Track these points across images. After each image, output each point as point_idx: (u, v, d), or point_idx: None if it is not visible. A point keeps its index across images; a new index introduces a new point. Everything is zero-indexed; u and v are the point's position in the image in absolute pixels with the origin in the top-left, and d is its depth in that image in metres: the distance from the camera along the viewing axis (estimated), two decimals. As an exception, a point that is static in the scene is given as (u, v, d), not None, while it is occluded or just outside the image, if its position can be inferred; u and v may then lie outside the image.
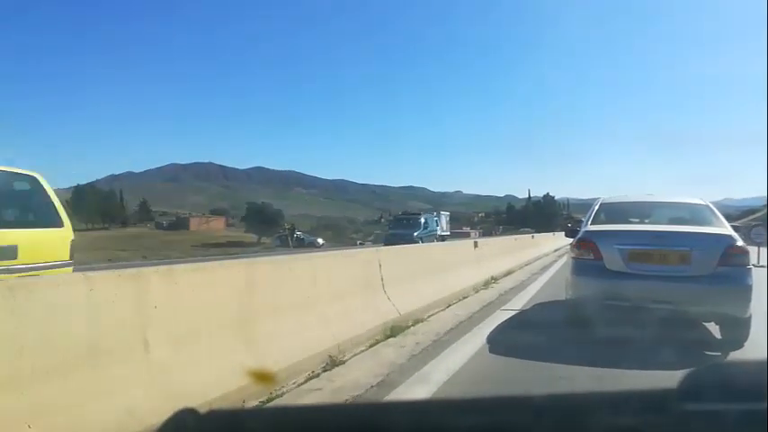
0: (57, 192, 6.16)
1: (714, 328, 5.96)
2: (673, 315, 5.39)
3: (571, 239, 6.66)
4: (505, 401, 0.77)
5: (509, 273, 13.22)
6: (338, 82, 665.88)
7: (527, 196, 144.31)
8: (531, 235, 27.62)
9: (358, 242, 66.85)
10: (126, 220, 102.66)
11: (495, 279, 11.36)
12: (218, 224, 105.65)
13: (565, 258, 18.17)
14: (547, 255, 22.60)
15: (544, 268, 15.74)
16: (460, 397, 0.75)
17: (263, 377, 3.80)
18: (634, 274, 5.65)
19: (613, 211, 6.93)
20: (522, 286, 11.06)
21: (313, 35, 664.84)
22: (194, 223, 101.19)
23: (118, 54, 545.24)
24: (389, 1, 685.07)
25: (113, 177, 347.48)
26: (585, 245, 6.04)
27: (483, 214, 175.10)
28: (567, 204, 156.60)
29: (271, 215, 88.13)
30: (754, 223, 24.35)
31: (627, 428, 0.67)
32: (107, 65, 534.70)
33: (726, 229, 6.05)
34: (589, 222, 6.57)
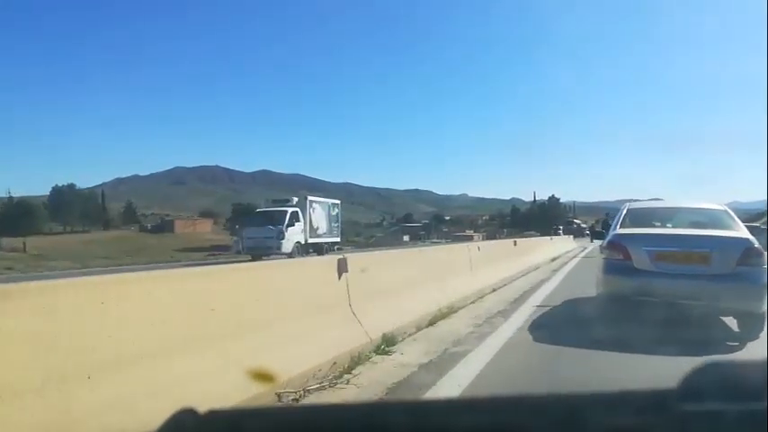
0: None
1: (732, 323, 6.56)
2: (695, 310, 6.00)
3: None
4: (505, 401, 0.76)
5: (447, 314, 7.25)
6: (344, 85, 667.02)
7: (532, 199, 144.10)
8: (512, 240, 17.72)
9: (336, 248, 56.06)
10: (108, 222, 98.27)
11: (388, 345, 5.44)
12: (204, 226, 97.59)
13: (566, 272, 14.86)
14: (538, 267, 15.91)
15: (519, 299, 9.30)
16: (460, 397, 0.79)
17: (263, 377, 3.75)
18: (660, 273, 6.24)
19: (639, 216, 7.61)
20: (434, 370, 4.87)
21: (319, 38, 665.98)
22: (180, 226, 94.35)
23: (123, 57, 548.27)
24: (396, 1, 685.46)
25: (119, 181, 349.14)
26: (616, 246, 6.67)
27: (487, 217, 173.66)
28: (573, 207, 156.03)
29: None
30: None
31: (626, 428, 0.67)
32: (111, 68, 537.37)
33: (743, 232, 6.69)
34: (618, 226, 7.21)
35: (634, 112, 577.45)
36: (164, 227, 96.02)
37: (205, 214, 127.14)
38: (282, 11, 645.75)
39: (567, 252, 25.80)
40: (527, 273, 13.87)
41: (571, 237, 36.23)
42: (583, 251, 27.07)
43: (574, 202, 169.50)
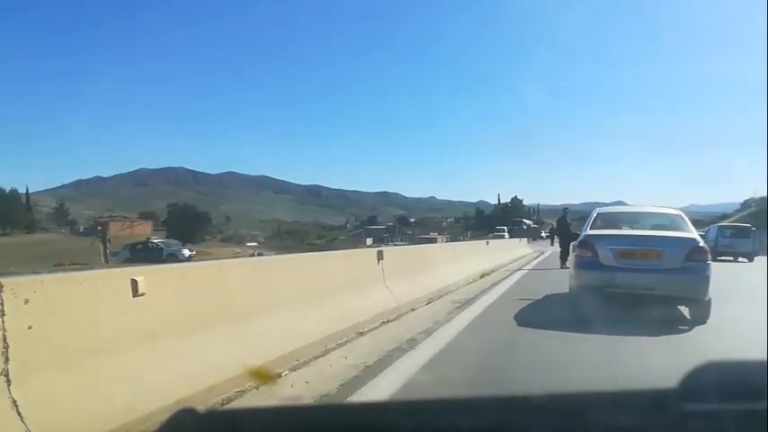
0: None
1: (686, 311, 7.45)
2: (651, 299, 7.00)
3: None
4: (505, 401, 0.78)
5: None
6: (312, 87, 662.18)
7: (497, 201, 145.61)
8: (377, 248, 8.17)
9: (256, 252, 45.72)
10: (32, 224, 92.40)
11: None
12: (143, 229, 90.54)
13: (490, 300, 8.89)
14: (443, 295, 9.28)
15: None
16: (460, 397, 0.75)
17: (262, 375, 3.85)
18: (622, 268, 7.20)
19: (607, 219, 8.69)
20: None
21: (286, 39, 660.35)
22: (115, 228, 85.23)
23: (84, 57, 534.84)
24: (363, 3, 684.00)
25: (81, 182, 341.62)
26: (586, 245, 7.62)
27: (452, 219, 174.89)
28: (536, 209, 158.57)
29: (195, 218, 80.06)
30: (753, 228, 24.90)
31: (627, 428, 0.69)
32: (73, 67, 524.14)
33: (692, 233, 7.69)
34: (588, 228, 8.16)
35: (606, 115, 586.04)
36: (96, 229, 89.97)
37: (146, 215, 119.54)
38: (245, 10, 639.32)
39: (514, 261, 19.23)
40: (402, 314, 7.28)
41: (524, 240, 31.46)
42: (537, 258, 22.26)
43: (538, 204, 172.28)
